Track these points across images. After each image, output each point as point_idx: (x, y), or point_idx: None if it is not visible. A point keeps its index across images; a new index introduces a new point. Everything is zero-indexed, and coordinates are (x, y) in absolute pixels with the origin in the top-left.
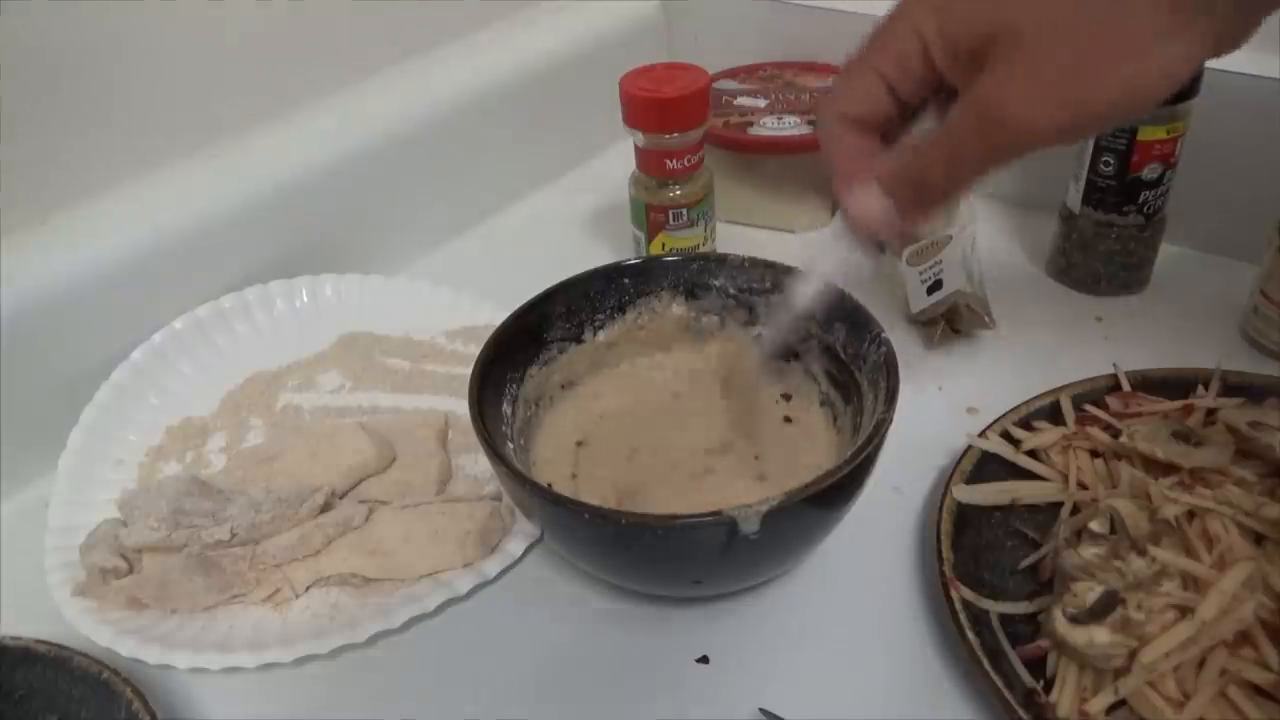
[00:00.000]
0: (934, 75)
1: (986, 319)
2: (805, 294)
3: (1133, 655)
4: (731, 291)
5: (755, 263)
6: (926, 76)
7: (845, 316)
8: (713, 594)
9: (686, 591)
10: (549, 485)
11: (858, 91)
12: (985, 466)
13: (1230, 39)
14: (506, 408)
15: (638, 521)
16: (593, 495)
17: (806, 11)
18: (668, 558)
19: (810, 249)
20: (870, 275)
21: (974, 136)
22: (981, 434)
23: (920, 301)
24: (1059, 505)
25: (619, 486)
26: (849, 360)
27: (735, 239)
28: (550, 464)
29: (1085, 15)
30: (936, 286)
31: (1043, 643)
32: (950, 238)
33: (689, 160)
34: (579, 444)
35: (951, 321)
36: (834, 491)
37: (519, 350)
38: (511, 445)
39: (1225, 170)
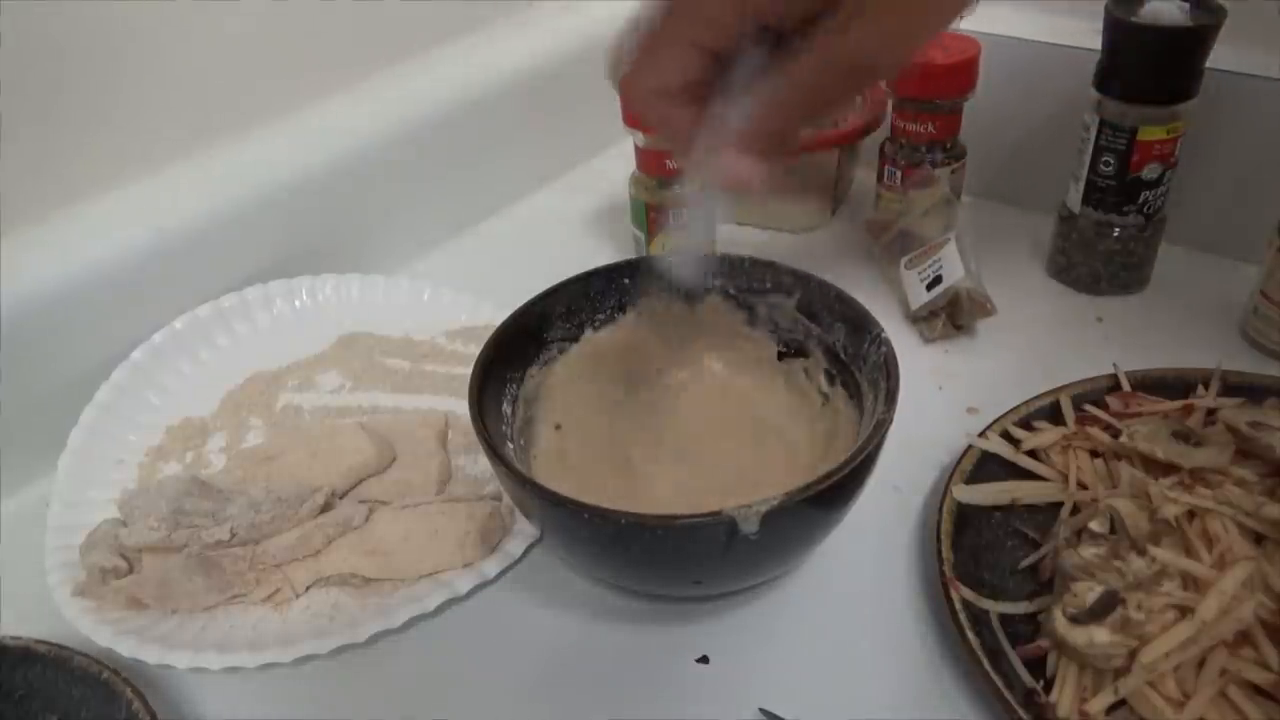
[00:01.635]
0: (755, 28)
1: (988, 305)
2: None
3: (1133, 655)
4: (731, 291)
5: (756, 263)
6: (746, 30)
7: (845, 317)
8: (713, 594)
9: (686, 591)
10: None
11: (673, 64)
12: (985, 466)
13: None
14: (506, 408)
15: (636, 521)
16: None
17: None
18: (667, 558)
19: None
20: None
21: (831, 78)
22: (981, 434)
23: (920, 298)
24: (1059, 505)
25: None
26: (849, 360)
27: (735, 239)
28: (544, 453)
29: None
30: (936, 282)
31: (1043, 643)
32: (949, 240)
33: None
34: (557, 426)
35: (953, 316)
36: (833, 492)
37: (519, 350)
38: (511, 445)
39: (1225, 170)
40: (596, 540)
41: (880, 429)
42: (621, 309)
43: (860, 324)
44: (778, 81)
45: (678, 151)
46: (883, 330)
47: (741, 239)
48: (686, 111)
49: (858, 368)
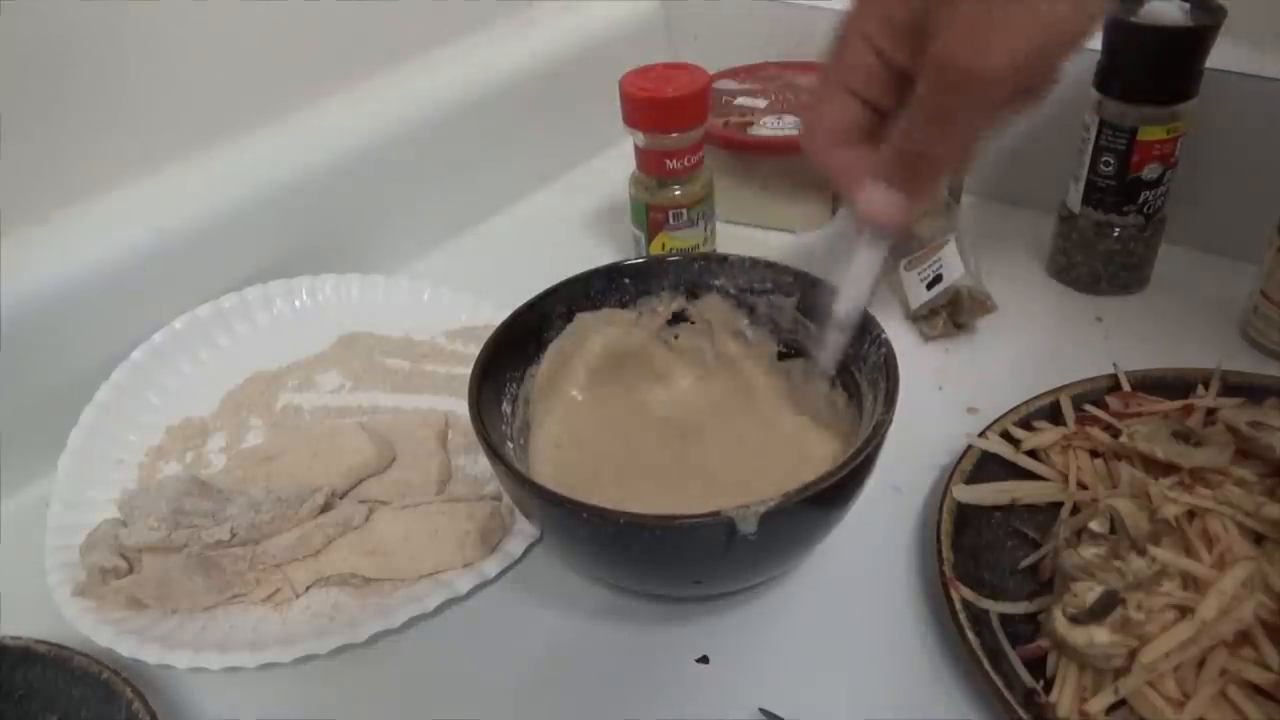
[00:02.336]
0: (897, 72)
1: (988, 302)
2: (850, 306)
3: (1133, 655)
4: (732, 291)
5: (756, 263)
6: (891, 75)
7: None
8: (713, 594)
9: (686, 591)
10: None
11: (834, 112)
12: (985, 466)
13: None
14: (506, 407)
15: (636, 521)
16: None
17: (807, 11)
18: (666, 558)
19: (821, 256)
20: (884, 268)
21: (942, 96)
22: (981, 434)
23: (920, 297)
24: (1059, 505)
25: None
26: (849, 360)
27: (735, 239)
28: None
29: None
30: (936, 281)
31: (1043, 643)
32: (948, 240)
33: (689, 160)
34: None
35: (954, 314)
36: (833, 492)
37: (519, 350)
38: (511, 445)
39: (1225, 170)
40: (596, 540)
41: (879, 430)
42: (621, 309)
43: (861, 324)
44: (909, 110)
45: (842, 191)
46: (883, 331)
47: (743, 238)
48: (849, 154)
49: (857, 368)
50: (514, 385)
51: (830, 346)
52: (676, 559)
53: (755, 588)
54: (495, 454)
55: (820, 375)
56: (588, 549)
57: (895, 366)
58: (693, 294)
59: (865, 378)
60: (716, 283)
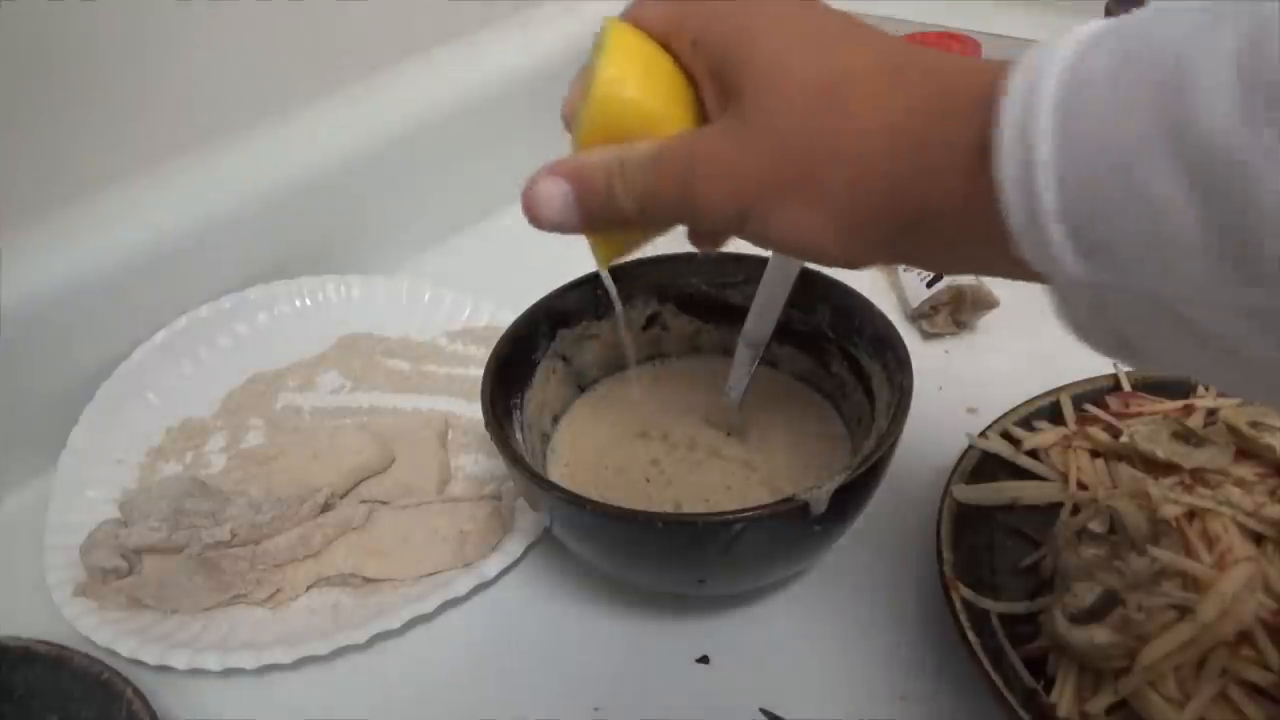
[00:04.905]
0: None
1: (991, 296)
2: (760, 324)
3: (1133, 655)
4: (705, 288)
5: (724, 258)
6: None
7: (877, 334)
8: (716, 594)
9: (690, 590)
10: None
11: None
12: (985, 466)
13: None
14: (516, 402)
15: (649, 519)
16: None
17: None
18: (673, 554)
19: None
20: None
21: (654, 175)
22: (981, 434)
23: (920, 295)
24: (1059, 505)
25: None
26: (865, 365)
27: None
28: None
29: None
30: (937, 279)
31: (1043, 643)
32: None
33: None
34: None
35: (956, 311)
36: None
37: (531, 346)
38: (522, 437)
39: None
40: (608, 533)
41: (905, 397)
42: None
43: (885, 338)
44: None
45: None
46: (908, 354)
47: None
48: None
49: (853, 344)
50: (517, 411)
51: (739, 364)
52: (679, 556)
53: (755, 588)
54: (515, 459)
55: (731, 392)
56: (598, 545)
57: (909, 389)
58: (664, 297)
59: (864, 351)
60: (688, 283)
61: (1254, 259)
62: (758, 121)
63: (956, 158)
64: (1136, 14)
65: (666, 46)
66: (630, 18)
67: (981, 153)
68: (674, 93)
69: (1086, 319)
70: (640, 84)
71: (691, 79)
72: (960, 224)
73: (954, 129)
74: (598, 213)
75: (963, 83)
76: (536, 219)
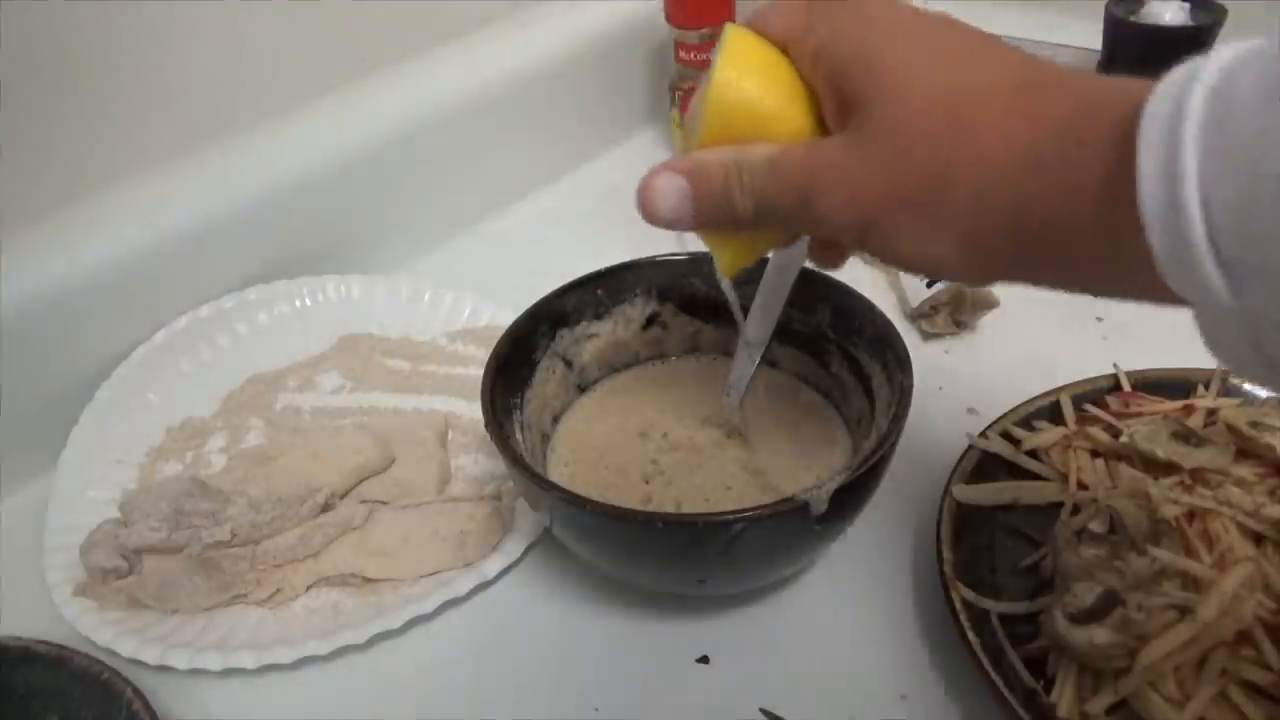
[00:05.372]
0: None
1: (991, 295)
2: (760, 325)
3: (1133, 655)
4: (704, 288)
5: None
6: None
7: (877, 334)
8: (715, 594)
9: (690, 590)
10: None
11: None
12: (985, 466)
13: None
14: (517, 401)
15: (648, 519)
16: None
17: None
18: (673, 554)
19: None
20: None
21: (774, 185)
22: (981, 434)
23: (920, 295)
24: (1059, 505)
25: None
26: (865, 365)
27: None
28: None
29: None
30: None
31: (1043, 643)
32: None
33: None
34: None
35: (956, 311)
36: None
37: (532, 346)
38: (522, 436)
39: None
40: (608, 533)
41: (883, 446)
42: (598, 320)
43: (886, 340)
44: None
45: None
46: (909, 358)
47: None
48: None
49: (854, 344)
50: (524, 383)
51: (739, 364)
52: (681, 556)
53: (755, 588)
54: (514, 458)
55: (731, 392)
56: (599, 545)
57: (908, 398)
58: (664, 297)
59: (864, 351)
60: (688, 283)
61: None
62: (880, 136)
63: (1090, 179)
64: None
65: (786, 54)
66: (751, 24)
67: (1117, 175)
68: (791, 97)
69: (1235, 343)
70: (756, 85)
71: (810, 88)
72: (1092, 247)
73: (1089, 150)
74: (712, 211)
75: (1098, 103)
76: (651, 214)
